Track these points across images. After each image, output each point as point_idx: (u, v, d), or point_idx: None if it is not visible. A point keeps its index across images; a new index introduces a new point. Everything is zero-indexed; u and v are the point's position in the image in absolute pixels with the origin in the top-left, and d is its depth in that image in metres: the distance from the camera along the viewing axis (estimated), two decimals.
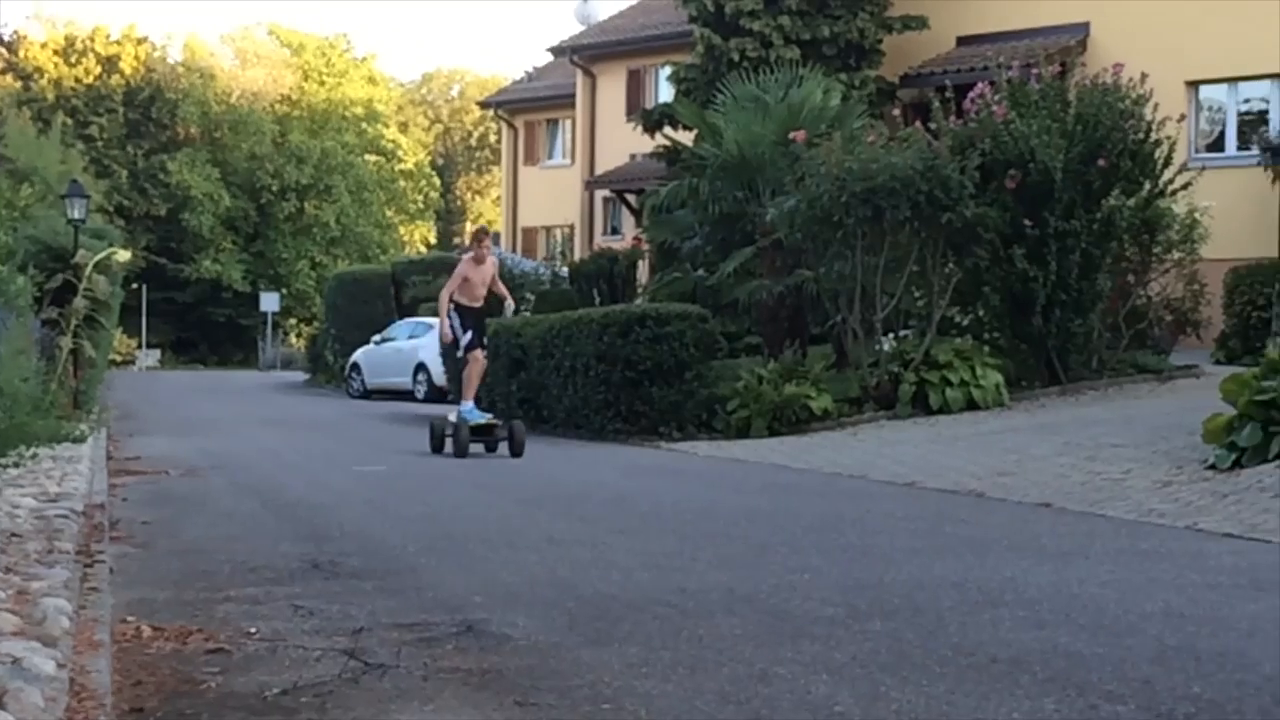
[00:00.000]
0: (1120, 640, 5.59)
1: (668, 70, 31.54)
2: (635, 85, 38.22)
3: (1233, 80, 26.53)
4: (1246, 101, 26.92)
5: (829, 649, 5.42)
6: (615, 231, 38.65)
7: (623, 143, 36.35)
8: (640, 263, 28.72)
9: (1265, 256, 23.16)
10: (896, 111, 21.24)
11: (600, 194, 39.13)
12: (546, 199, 41.94)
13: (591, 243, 37.67)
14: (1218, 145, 26.89)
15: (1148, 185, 18.32)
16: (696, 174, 20.96)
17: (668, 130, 28.48)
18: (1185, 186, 18.60)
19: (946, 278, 17.78)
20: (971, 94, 18.22)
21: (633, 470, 13.65)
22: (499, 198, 54.01)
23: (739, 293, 19.89)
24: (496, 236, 15.94)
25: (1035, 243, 17.36)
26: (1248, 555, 7.86)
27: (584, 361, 17.96)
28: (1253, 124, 26.58)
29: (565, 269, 30.84)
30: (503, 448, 15.31)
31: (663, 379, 17.40)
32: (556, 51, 41.61)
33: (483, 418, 15.59)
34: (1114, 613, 6.16)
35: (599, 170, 38.57)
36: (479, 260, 15.83)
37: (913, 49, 29.00)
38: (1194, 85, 26.49)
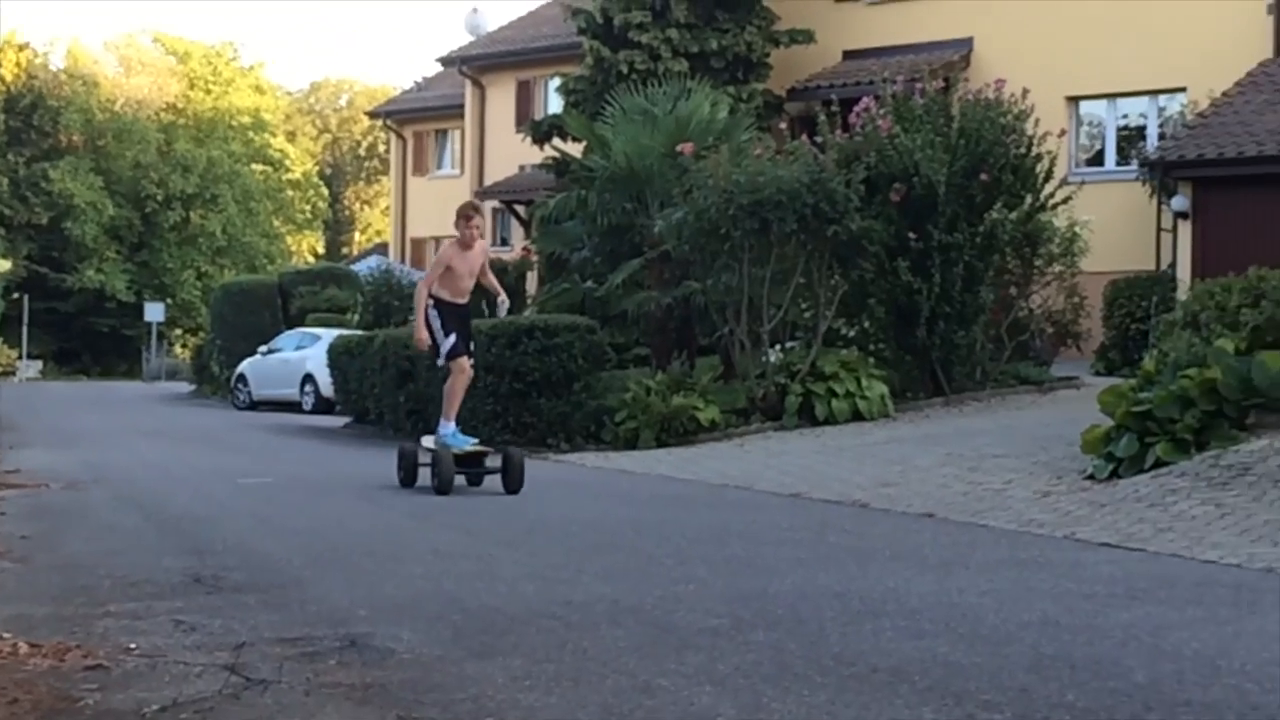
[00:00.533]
0: (998, 649, 5.68)
1: (557, 82, 31.57)
2: (525, 96, 38.22)
3: (1112, 96, 27.01)
4: (1125, 117, 27.41)
5: (713, 660, 5.46)
6: (504, 242, 38.60)
7: (512, 153, 36.33)
8: (529, 274, 28.71)
9: (1143, 269, 23.61)
10: (783, 124, 21.48)
11: (489, 205, 39.03)
12: (436, 209, 41.76)
13: None
14: (1098, 160, 27.37)
15: (1029, 199, 18.61)
16: (585, 185, 21.01)
17: (557, 141, 28.50)
18: (1066, 200, 18.90)
19: (832, 290, 17.94)
20: (857, 108, 18.41)
21: None
22: (388, 208, 53.75)
23: (627, 304, 19.96)
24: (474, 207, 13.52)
25: (919, 255, 17.57)
26: (1123, 564, 8.01)
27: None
28: (1131, 139, 27.07)
29: None
30: (493, 481, 12.38)
31: (551, 390, 17.43)
32: (446, 62, 41.52)
33: (468, 443, 12.49)
34: (992, 622, 6.25)
35: (488, 181, 38.51)
36: (466, 244, 12.37)
37: (800, 62, 29.23)
38: (1074, 101, 26.94)
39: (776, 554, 8.39)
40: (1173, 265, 23.30)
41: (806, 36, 29.01)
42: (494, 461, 12.47)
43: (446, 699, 4.91)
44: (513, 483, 12.05)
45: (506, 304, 12.79)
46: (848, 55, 29.22)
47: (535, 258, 26.53)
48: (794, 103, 28.22)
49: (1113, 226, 23.33)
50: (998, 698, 4.90)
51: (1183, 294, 16.74)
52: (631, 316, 20.54)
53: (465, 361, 12.43)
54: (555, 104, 33.41)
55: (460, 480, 12.25)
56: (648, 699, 4.89)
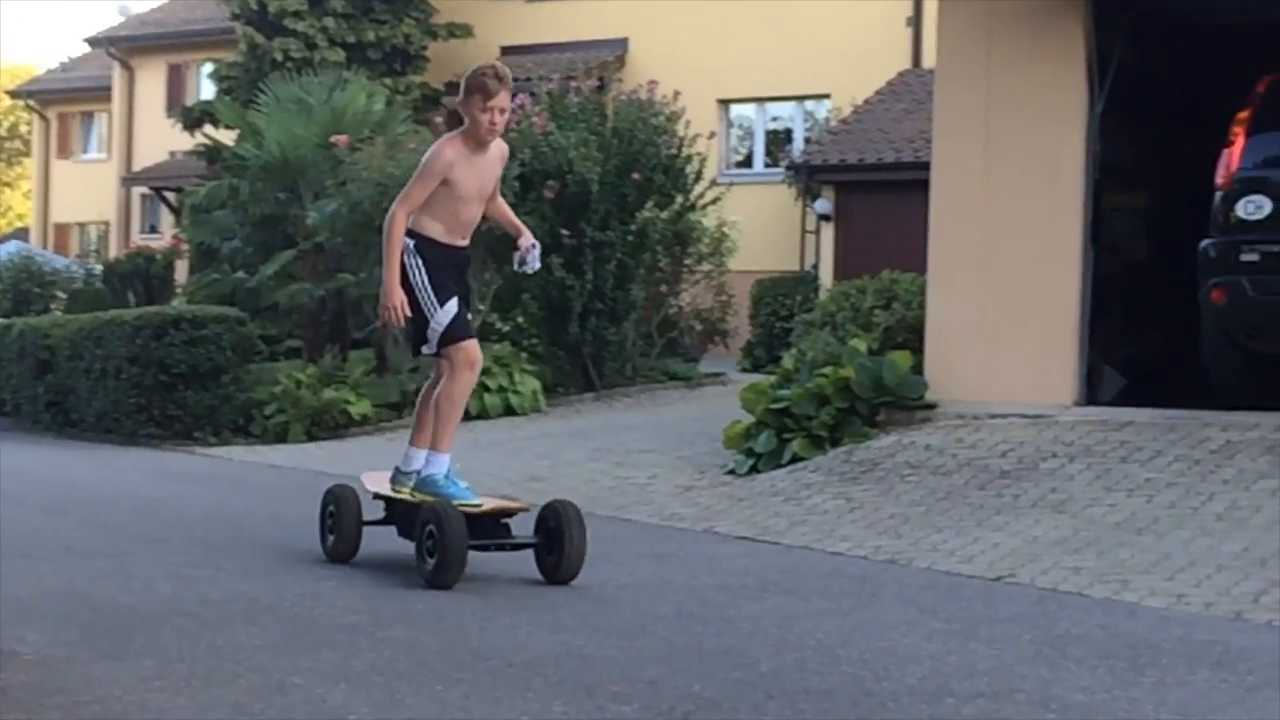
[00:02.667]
0: (632, 642, 5.83)
1: (210, 67, 30.89)
2: (176, 80, 37.24)
3: (761, 100, 27.79)
4: (774, 120, 28.24)
5: (349, 657, 5.45)
6: (154, 230, 37.54)
7: (163, 139, 35.33)
8: (178, 263, 28.02)
9: (788, 270, 24.37)
10: (440, 118, 21.36)
11: (138, 191, 37.93)
12: (81, 194, 40.38)
13: (128, 241, 36.51)
14: (747, 162, 28.12)
15: (680, 199, 18.99)
16: (237, 174, 20.64)
17: (209, 128, 27.88)
18: (715, 201, 19.35)
19: (486, 285, 18.00)
20: (511, 104, 18.48)
21: (164, 476, 13.32)
22: (30, 191, 51.70)
23: (279, 296, 19.67)
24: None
25: (573, 252, 17.77)
26: (758, 557, 8.29)
27: (116, 364, 17.43)
28: (779, 142, 27.91)
29: (99, 267, 29.81)
30: (525, 561, 7.45)
31: (198, 382, 17.08)
32: (94, 42, 40.14)
33: (474, 498, 7.36)
34: (629, 615, 6.41)
35: (137, 166, 37.40)
36: (481, 140, 7.27)
37: (458, 57, 29.20)
38: (725, 104, 27.61)
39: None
40: (815, 266, 24.13)
41: (465, 31, 29.04)
42: (530, 536, 7.42)
43: (71, 701, 4.79)
44: (568, 565, 7.20)
45: (537, 250, 7.61)
46: (506, 51, 29.31)
47: (185, 247, 25.89)
48: (451, 97, 28.15)
49: (760, 227, 24.00)
50: (628, 690, 5.03)
51: (824, 294, 17.33)
52: (283, 308, 20.25)
53: (474, 347, 7.43)
54: (208, 90, 32.66)
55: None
56: (280, 697, 4.86)
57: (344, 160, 17.90)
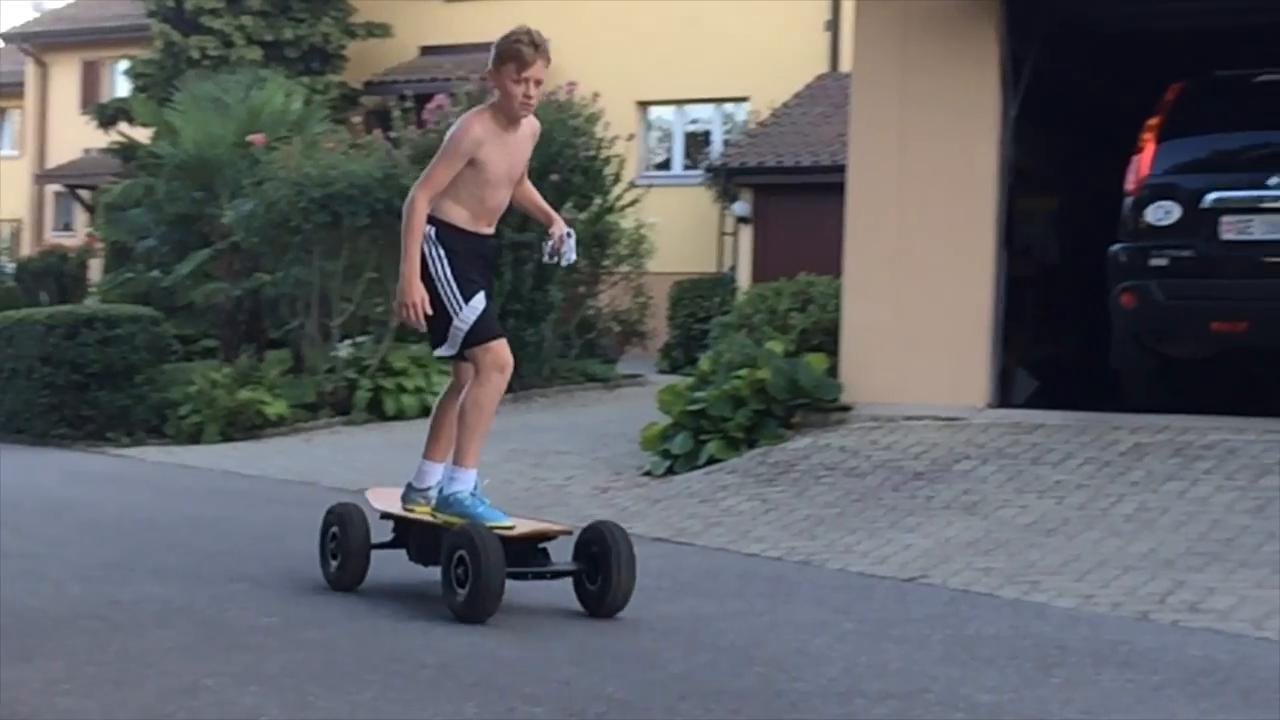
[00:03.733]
0: (545, 644, 5.85)
1: (125, 64, 30.61)
2: (91, 77, 36.85)
3: (680, 103, 27.85)
4: (693, 123, 28.32)
5: (261, 659, 5.44)
6: (67, 228, 37.13)
7: (77, 136, 34.94)
8: (92, 261, 27.74)
9: (706, 271, 24.44)
10: (359, 118, 21.34)
11: (51, 188, 37.49)
12: None
13: (41, 239, 36.11)
14: (666, 164, 28.18)
15: (599, 201, 19.00)
16: (153, 173, 20.43)
17: (124, 126, 27.60)
18: (634, 203, 19.37)
19: None
20: (430, 104, 18.47)
21: (76, 477, 13.19)
22: None
23: (195, 295, 19.51)
24: None
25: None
26: (673, 559, 8.32)
27: (27, 364, 17.25)
28: (698, 145, 27.98)
29: (12, 266, 29.47)
30: (563, 591, 6.62)
31: (112, 382, 16.91)
32: (6, 38, 39.62)
33: (505, 519, 6.54)
34: (542, 617, 6.42)
35: (50, 164, 36.97)
36: (514, 116, 6.58)
37: (377, 56, 29.13)
38: (644, 106, 27.66)
39: None
40: (733, 268, 24.22)
41: (384, 30, 28.92)
42: (570, 562, 6.60)
43: None
44: (614, 596, 6.41)
45: (573, 240, 6.73)
46: (425, 51, 29.25)
47: (99, 245, 25.64)
48: (370, 96, 28.09)
49: (679, 229, 24.05)
50: (540, 690, 5.04)
51: (741, 296, 17.40)
52: (199, 308, 20.07)
53: (504, 349, 6.57)
54: (124, 87, 32.36)
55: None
56: (191, 700, 4.84)
57: (261, 159, 17.78)
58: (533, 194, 6.95)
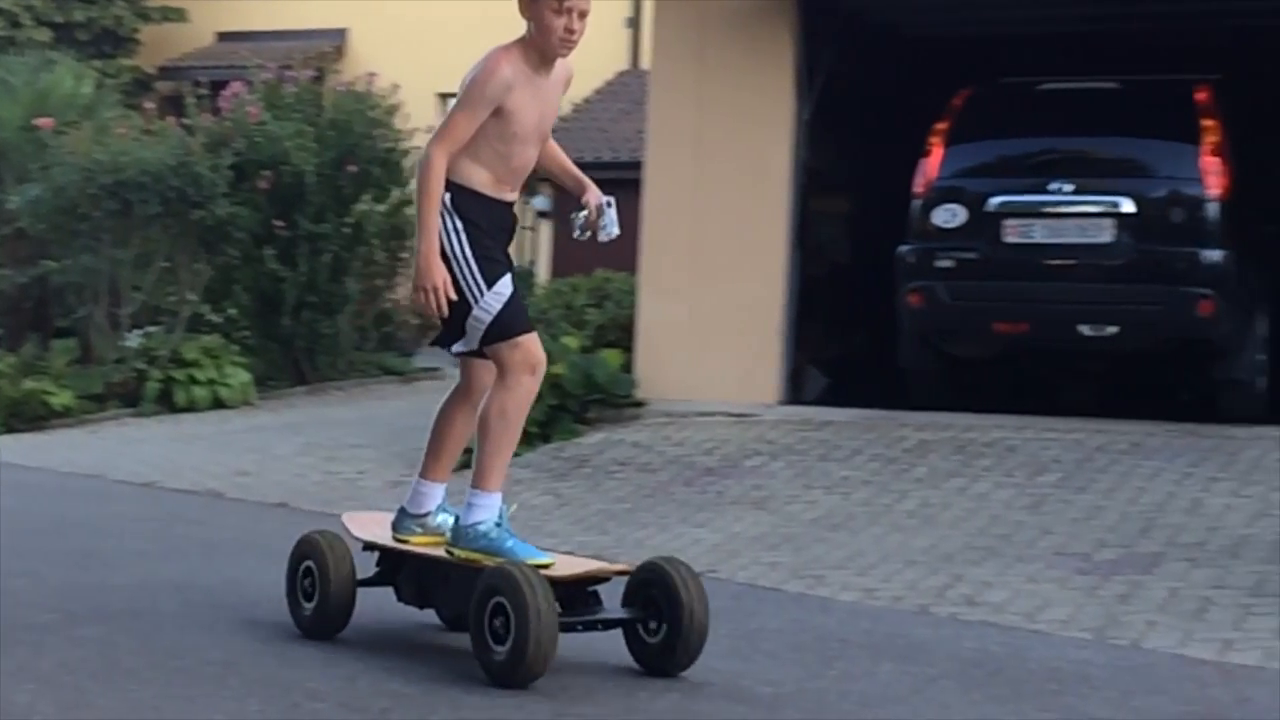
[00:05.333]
0: (331, 640, 5.80)
1: None
2: None
3: None
4: None
5: (36, 657, 5.33)
6: None
7: None
8: None
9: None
10: (152, 104, 20.90)
11: None
12: None
13: None
14: None
15: (397, 193, 18.88)
16: None
17: None
18: None
19: (196, 275, 17.68)
20: (226, 91, 18.20)
21: None
22: None
23: None
24: None
25: (287, 244, 17.53)
26: None
27: None
28: None
29: None
30: (611, 643, 5.52)
31: None
32: None
33: (542, 556, 5.44)
34: None
35: None
36: (545, 56, 5.53)
37: (172, 41, 28.57)
38: (445, 98, 27.52)
39: (120, 546, 8.23)
40: (533, 263, 24.22)
41: (179, 15, 28.37)
42: (635, 609, 5.45)
43: None
44: (685, 649, 5.35)
45: (614, 211, 5.65)
46: (222, 37, 28.76)
47: None
48: (165, 82, 27.54)
49: None
50: (324, 686, 5.03)
51: (539, 291, 17.43)
52: None
53: (535, 344, 5.50)
54: None
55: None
56: None
57: (49, 144, 17.37)
58: (561, 155, 5.85)
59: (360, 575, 5.80)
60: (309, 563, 5.81)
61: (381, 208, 18.64)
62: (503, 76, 5.37)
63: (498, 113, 5.37)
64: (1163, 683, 5.70)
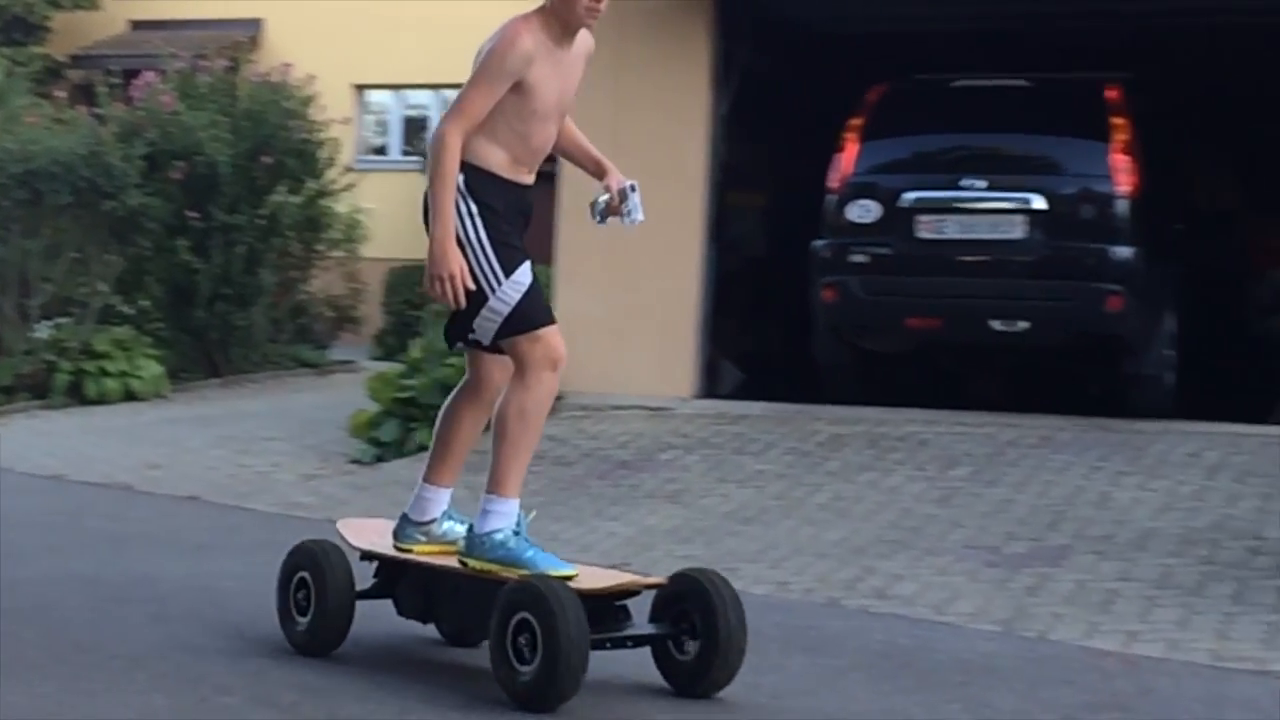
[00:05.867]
0: (241, 634, 5.79)
1: None
2: None
3: (398, 87, 27.66)
4: (412, 108, 28.15)
5: None
6: None
7: None
8: None
9: (422, 259, 24.13)
10: (63, 92, 20.66)
11: None
12: None
13: None
14: (383, 149, 27.97)
15: (313, 184, 18.78)
16: None
17: None
18: (348, 188, 19.20)
19: (108, 266, 17.50)
20: (139, 81, 18.03)
21: None
22: None
23: None
24: None
25: (200, 235, 17.39)
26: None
27: None
28: (417, 130, 27.83)
29: None
30: (637, 661, 5.32)
31: None
32: None
33: (565, 566, 5.27)
34: (240, 607, 6.35)
35: None
36: (568, 27, 5.28)
37: (84, 28, 28.25)
38: (361, 90, 27.40)
39: (28, 540, 8.13)
40: None
41: (91, 3, 28.04)
42: (666, 624, 5.21)
43: None
44: (721, 668, 5.12)
45: (638, 195, 5.52)
46: (135, 25, 28.45)
47: None
48: (77, 70, 27.24)
49: (395, 215, 23.77)
50: (232, 681, 5.01)
51: None
52: None
53: (556, 338, 5.20)
54: None
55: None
56: None
57: None
58: (579, 136, 5.58)
59: (358, 587, 5.49)
60: (303, 574, 5.45)
61: (296, 199, 18.52)
62: (523, 48, 5.07)
63: (517, 88, 5.07)
64: (1069, 674, 5.78)
